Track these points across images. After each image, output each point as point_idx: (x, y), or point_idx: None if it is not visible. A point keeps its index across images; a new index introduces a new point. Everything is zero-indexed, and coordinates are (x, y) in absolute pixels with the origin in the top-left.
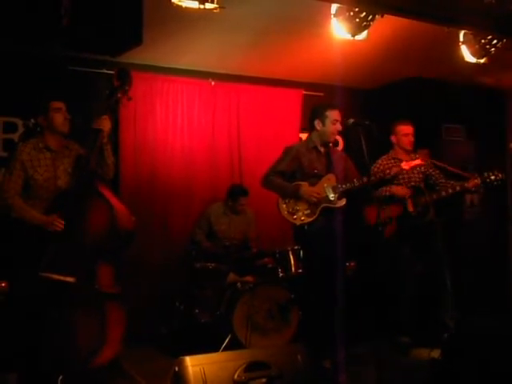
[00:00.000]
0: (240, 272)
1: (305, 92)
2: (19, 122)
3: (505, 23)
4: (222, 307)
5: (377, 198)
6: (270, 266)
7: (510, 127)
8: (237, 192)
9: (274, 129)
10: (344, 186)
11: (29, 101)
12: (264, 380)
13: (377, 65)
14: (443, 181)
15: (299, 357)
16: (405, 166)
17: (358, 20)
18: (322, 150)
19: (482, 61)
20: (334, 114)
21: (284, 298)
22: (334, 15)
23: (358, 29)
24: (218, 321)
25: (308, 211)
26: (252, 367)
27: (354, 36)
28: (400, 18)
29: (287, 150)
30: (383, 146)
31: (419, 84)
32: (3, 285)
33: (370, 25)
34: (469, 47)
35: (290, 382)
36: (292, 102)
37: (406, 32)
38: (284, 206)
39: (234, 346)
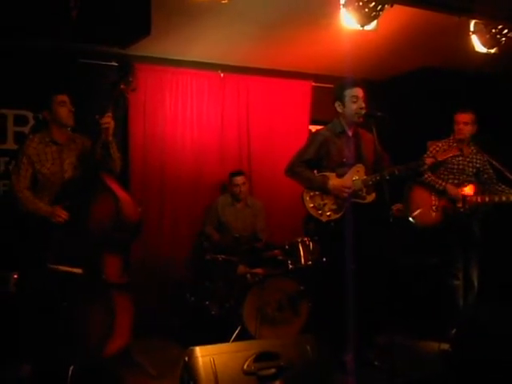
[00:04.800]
0: (250, 264)
1: (314, 84)
2: (30, 115)
3: None
4: (231, 299)
5: (427, 183)
6: (279, 257)
7: None
8: (231, 174)
9: (283, 121)
10: (374, 180)
11: (39, 94)
12: (273, 370)
13: (387, 56)
14: (494, 181)
15: (309, 347)
16: (428, 160)
17: (367, 10)
18: (350, 133)
19: (493, 51)
20: (352, 92)
21: (294, 290)
22: (343, 5)
23: (367, 19)
24: (228, 312)
25: (335, 206)
26: (261, 357)
27: (363, 26)
28: (410, 8)
29: (314, 136)
30: (395, 137)
31: (430, 75)
32: (15, 276)
33: (379, 15)
34: (479, 37)
35: (299, 372)
36: (301, 94)
37: (415, 22)
38: (309, 199)
39: (244, 337)
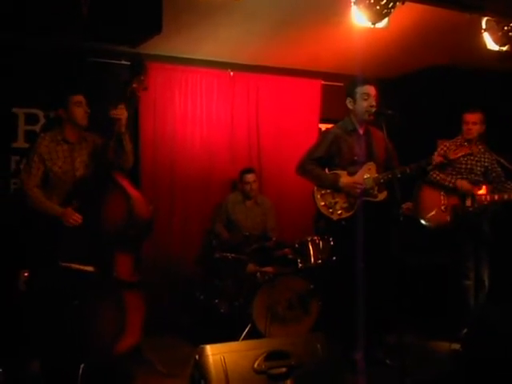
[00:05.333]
0: (259, 262)
1: (324, 82)
2: (40, 114)
3: None
4: (240, 297)
5: (436, 182)
6: (289, 256)
7: None
8: (241, 172)
9: (292, 119)
10: (385, 178)
11: (50, 92)
12: (284, 369)
13: (397, 53)
14: (503, 179)
15: (319, 346)
16: (437, 158)
17: (378, 7)
18: (361, 131)
19: (505, 48)
20: (363, 89)
21: (303, 289)
22: (354, 3)
23: (378, 16)
24: (238, 311)
25: (346, 204)
26: (272, 356)
27: (374, 24)
28: (421, 5)
29: (325, 135)
30: (405, 135)
31: (441, 73)
32: (26, 274)
33: (390, 12)
34: (491, 34)
35: (309, 371)
36: (311, 93)
37: (427, 19)
38: (320, 197)
39: (254, 336)
